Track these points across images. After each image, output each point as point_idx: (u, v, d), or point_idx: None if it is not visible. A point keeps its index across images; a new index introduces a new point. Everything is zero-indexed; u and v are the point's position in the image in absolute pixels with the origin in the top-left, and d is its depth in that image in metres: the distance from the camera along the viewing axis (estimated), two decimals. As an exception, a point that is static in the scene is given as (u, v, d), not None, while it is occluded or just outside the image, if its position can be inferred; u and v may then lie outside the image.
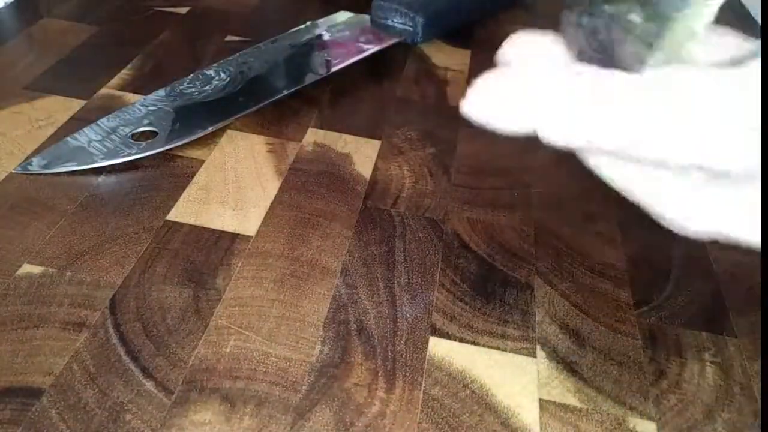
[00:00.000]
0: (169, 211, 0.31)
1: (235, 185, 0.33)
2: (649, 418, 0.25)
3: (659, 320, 0.29)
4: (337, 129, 0.39)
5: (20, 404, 0.22)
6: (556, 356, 0.27)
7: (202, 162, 0.35)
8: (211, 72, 0.41)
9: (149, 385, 0.24)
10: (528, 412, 0.24)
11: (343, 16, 0.50)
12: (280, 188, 0.34)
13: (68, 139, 0.35)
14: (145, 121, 0.36)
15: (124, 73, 0.42)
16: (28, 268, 0.28)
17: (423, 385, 0.25)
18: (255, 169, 0.35)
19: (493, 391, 0.25)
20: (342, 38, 0.47)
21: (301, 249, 0.30)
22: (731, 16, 0.60)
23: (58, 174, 0.33)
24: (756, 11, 0.60)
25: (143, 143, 0.35)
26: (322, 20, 0.49)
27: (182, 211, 0.31)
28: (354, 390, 0.24)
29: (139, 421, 0.22)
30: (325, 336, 0.26)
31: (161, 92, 0.39)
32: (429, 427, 0.23)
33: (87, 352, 0.24)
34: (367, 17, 0.49)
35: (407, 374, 0.25)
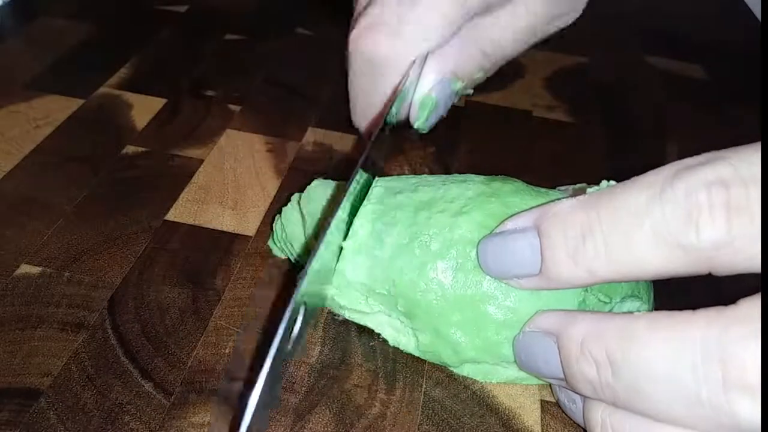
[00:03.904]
0: (167, 211, 0.31)
1: (234, 185, 0.33)
2: (651, 420, 0.24)
3: (661, 320, 0.29)
4: (337, 128, 0.38)
5: (18, 405, 0.22)
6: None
7: (201, 162, 0.35)
8: None
9: (148, 386, 0.23)
10: (529, 414, 0.24)
11: None
12: (280, 188, 0.33)
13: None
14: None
15: (123, 72, 0.42)
16: (26, 269, 0.27)
17: (424, 386, 0.25)
18: (254, 168, 0.35)
19: (494, 393, 0.25)
20: None
21: (301, 249, 0.30)
22: (732, 15, 0.60)
23: (56, 175, 0.32)
24: (756, 9, 0.60)
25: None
26: None
27: (181, 211, 0.31)
28: (354, 391, 0.24)
29: (137, 423, 0.22)
30: (324, 337, 0.26)
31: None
32: (430, 428, 0.23)
33: (85, 353, 0.24)
34: None
35: (408, 375, 0.25)
